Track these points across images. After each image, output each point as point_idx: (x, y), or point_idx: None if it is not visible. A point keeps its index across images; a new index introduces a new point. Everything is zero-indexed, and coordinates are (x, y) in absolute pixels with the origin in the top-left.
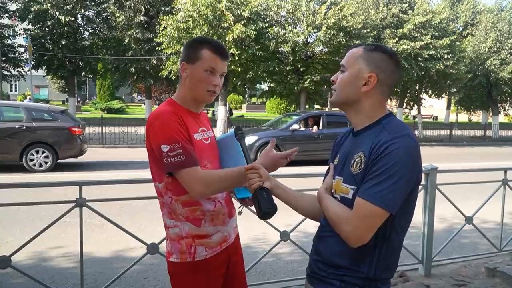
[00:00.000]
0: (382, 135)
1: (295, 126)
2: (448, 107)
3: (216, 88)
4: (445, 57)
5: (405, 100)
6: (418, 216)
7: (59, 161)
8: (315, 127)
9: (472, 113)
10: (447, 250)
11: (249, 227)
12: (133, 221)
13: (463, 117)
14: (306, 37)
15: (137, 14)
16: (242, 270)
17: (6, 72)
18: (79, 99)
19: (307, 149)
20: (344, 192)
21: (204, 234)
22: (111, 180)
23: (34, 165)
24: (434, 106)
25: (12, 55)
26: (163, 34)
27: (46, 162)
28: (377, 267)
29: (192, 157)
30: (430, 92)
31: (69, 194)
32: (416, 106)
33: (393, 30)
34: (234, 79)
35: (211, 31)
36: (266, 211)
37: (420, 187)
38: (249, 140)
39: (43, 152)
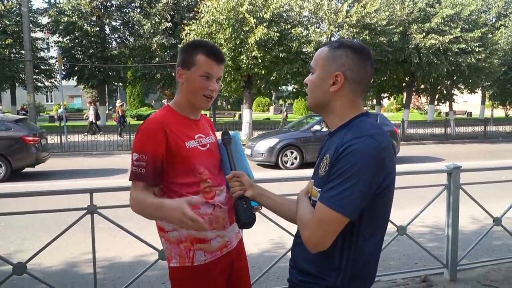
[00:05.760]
0: (347, 136)
1: (317, 127)
2: (483, 102)
3: (212, 93)
4: (477, 50)
5: (436, 97)
6: (443, 217)
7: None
8: None
9: (508, 107)
10: (477, 253)
11: (266, 231)
12: (155, 225)
13: (500, 112)
14: (329, 36)
15: (163, 21)
16: (247, 277)
17: (39, 84)
18: (110, 107)
19: None
20: (314, 195)
21: (202, 238)
22: (122, 186)
23: None
24: (468, 102)
25: (44, 67)
26: (187, 40)
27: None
28: (344, 276)
29: (149, 176)
30: (462, 87)
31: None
32: (447, 103)
33: (420, 24)
34: (258, 81)
35: (234, 35)
36: (244, 222)
37: (442, 187)
38: (270, 142)
39: None
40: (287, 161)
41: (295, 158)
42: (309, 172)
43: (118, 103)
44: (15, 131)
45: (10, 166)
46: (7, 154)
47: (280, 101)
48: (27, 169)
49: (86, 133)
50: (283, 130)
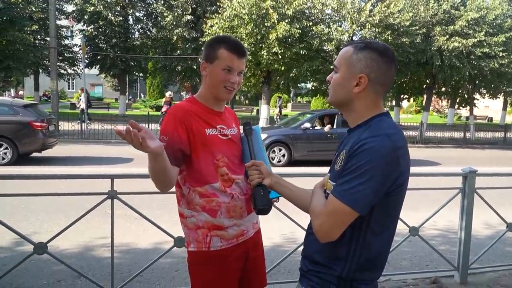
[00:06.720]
0: (364, 133)
1: (307, 125)
2: (504, 108)
3: (233, 85)
4: (500, 55)
5: (457, 100)
6: (456, 221)
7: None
8: (328, 126)
9: None
10: (489, 257)
11: (280, 226)
12: (170, 214)
13: None
14: (351, 35)
15: (185, 13)
16: (262, 266)
17: (62, 71)
18: (130, 97)
19: (317, 148)
20: (329, 189)
21: (219, 225)
22: (142, 174)
23: None
24: (490, 107)
25: (68, 55)
26: (209, 33)
27: (4, 158)
28: (350, 267)
29: (169, 155)
30: (483, 92)
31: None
32: (468, 107)
33: (443, 27)
34: (277, 78)
35: (255, 30)
36: (260, 208)
37: (457, 190)
38: None
39: (4, 146)
40: (274, 158)
41: (283, 155)
42: (305, 169)
43: (168, 94)
44: (23, 116)
45: (17, 150)
46: (14, 138)
47: (298, 98)
48: (42, 154)
49: (78, 121)
50: (274, 126)
